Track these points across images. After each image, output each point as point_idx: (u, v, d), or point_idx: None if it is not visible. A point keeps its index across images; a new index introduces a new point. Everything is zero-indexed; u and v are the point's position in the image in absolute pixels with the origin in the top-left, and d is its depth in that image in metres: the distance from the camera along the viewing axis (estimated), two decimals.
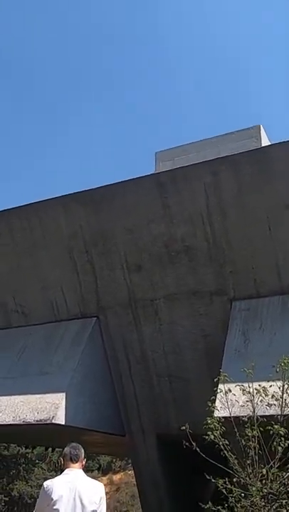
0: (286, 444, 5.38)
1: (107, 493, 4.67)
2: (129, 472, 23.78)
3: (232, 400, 5.96)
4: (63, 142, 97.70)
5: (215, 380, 6.18)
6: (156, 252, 7.96)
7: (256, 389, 5.79)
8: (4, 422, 7.64)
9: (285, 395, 5.72)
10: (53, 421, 7.24)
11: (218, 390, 6.06)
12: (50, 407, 7.42)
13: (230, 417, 5.79)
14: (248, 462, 5.46)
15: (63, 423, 7.39)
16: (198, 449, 5.67)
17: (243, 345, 7.09)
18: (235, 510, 5.42)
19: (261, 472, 5.42)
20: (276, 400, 5.74)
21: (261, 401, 5.77)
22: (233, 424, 5.67)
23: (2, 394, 8.09)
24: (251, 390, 5.80)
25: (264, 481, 5.38)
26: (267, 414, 5.77)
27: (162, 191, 7.71)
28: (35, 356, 8.58)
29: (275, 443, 5.38)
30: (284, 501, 5.31)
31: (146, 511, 9.62)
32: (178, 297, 7.99)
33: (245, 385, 5.87)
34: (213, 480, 5.49)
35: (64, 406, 7.43)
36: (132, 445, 9.06)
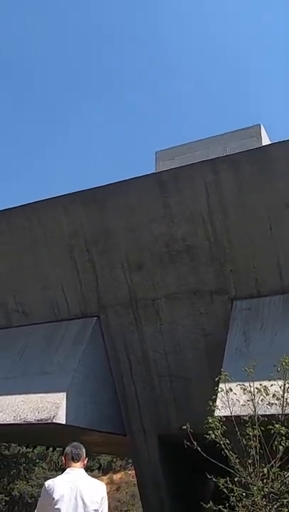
0: (287, 444, 5.38)
1: (107, 493, 4.64)
2: (130, 472, 23.76)
3: (233, 399, 5.95)
4: (63, 142, 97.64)
5: (216, 379, 6.17)
6: (157, 251, 7.95)
7: (257, 388, 5.79)
8: (5, 422, 7.63)
9: (286, 395, 5.72)
10: (54, 420, 7.22)
11: (219, 390, 6.05)
12: (51, 406, 7.40)
13: (231, 417, 5.79)
14: (249, 461, 5.46)
15: (64, 423, 7.38)
16: (199, 449, 5.67)
17: (243, 344, 7.08)
18: (237, 509, 5.42)
19: (262, 471, 5.42)
20: (277, 399, 5.74)
21: (262, 400, 5.77)
22: (234, 423, 5.67)
23: (3, 393, 8.07)
24: (252, 390, 5.79)
25: (265, 481, 5.38)
26: (268, 413, 5.76)
27: (163, 190, 7.70)
28: (36, 356, 8.56)
29: (276, 442, 5.38)
30: (285, 500, 5.32)
31: (147, 511, 9.62)
32: (179, 296, 7.98)
33: (246, 384, 5.87)
34: (214, 479, 5.49)
35: (65, 406, 7.42)
36: (133, 445, 9.05)
